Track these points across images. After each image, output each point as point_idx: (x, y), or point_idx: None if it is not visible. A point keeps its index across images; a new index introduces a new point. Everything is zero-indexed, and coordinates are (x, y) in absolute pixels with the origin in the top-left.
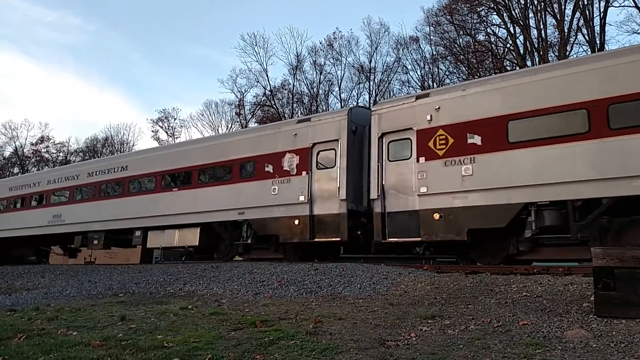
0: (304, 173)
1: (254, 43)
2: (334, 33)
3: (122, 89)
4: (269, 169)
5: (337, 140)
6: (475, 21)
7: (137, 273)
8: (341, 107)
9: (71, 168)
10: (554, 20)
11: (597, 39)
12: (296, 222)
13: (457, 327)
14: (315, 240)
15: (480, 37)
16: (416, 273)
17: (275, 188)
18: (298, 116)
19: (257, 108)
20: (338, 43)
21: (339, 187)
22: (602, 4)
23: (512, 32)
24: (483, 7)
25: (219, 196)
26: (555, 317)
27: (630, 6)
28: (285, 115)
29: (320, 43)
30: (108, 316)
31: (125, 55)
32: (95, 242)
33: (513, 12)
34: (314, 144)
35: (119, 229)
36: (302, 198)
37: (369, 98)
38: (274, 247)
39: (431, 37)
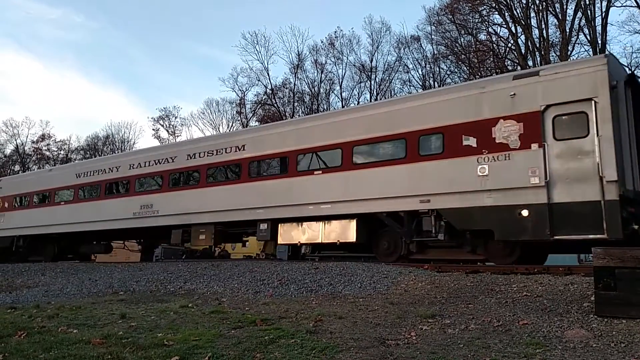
0: (534, 146)
1: (255, 41)
2: (335, 32)
3: (123, 87)
4: (470, 142)
5: (590, 99)
6: (476, 20)
7: (138, 271)
8: (342, 107)
9: (164, 149)
10: (555, 20)
11: (598, 39)
12: (524, 212)
13: (457, 326)
14: (557, 237)
15: (482, 36)
16: (416, 272)
17: (483, 167)
18: (300, 115)
19: (258, 107)
20: (339, 42)
21: (600, 164)
22: (604, 3)
23: (514, 31)
24: (484, 7)
25: (388, 179)
26: (556, 316)
27: (632, 6)
28: (287, 114)
29: (322, 42)
30: (108, 314)
31: (127, 53)
32: (202, 236)
33: (514, 12)
34: (548, 106)
35: (235, 221)
36: (534, 180)
37: (370, 98)
38: (470, 245)
39: (432, 36)
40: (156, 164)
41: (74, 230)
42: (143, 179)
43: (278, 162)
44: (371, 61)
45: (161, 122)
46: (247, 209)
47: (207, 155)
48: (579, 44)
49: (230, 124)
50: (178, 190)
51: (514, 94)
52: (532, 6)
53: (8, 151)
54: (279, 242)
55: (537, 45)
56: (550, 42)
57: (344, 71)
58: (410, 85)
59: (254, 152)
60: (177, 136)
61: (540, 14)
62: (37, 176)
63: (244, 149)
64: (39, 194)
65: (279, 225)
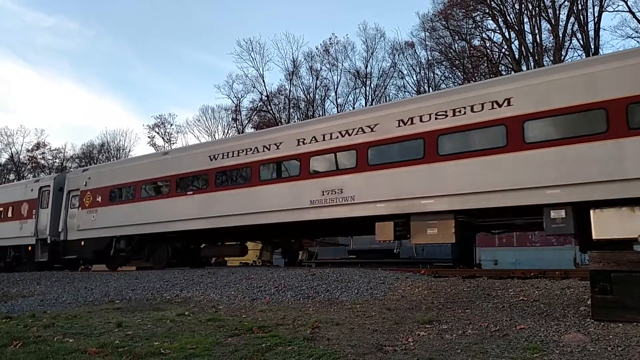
0: None
1: (251, 49)
2: (330, 38)
3: (118, 95)
4: None
5: None
6: (470, 26)
7: (134, 279)
8: (337, 112)
9: (355, 115)
10: (548, 25)
11: (591, 44)
12: None
13: (454, 331)
14: None
15: (476, 42)
16: (413, 277)
17: None
18: (295, 121)
19: (254, 113)
20: (334, 48)
21: None
22: (597, 9)
23: (507, 37)
24: (478, 13)
25: None
26: (553, 321)
27: (624, 11)
28: (283, 120)
29: (317, 48)
30: (104, 323)
31: (123, 61)
32: (432, 230)
33: (508, 17)
34: None
35: (494, 207)
36: None
37: (365, 103)
38: None
39: (427, 42)
40: (343, 136)
41: (210, 227)
42: (322, 157)
43: (586, 119)
44: (366, 67)
45: (157, 129)
46: (524, 189)
47: (437, 118)
48: (572, 48)
49: (226, 131)
50: (386, 169)
51: None
52: (526, 12)
53: (3, 160)
54: (594, 237)
55: (531, 50)
56: (544, 47)
57: (339, 77)
58: (405, 91)
59: (531, 107)
60: (173, 143)
61: (534, 19)
62: (145, 162)
63: (508, 104)
64: (151, 183)
65: (591, 211)
